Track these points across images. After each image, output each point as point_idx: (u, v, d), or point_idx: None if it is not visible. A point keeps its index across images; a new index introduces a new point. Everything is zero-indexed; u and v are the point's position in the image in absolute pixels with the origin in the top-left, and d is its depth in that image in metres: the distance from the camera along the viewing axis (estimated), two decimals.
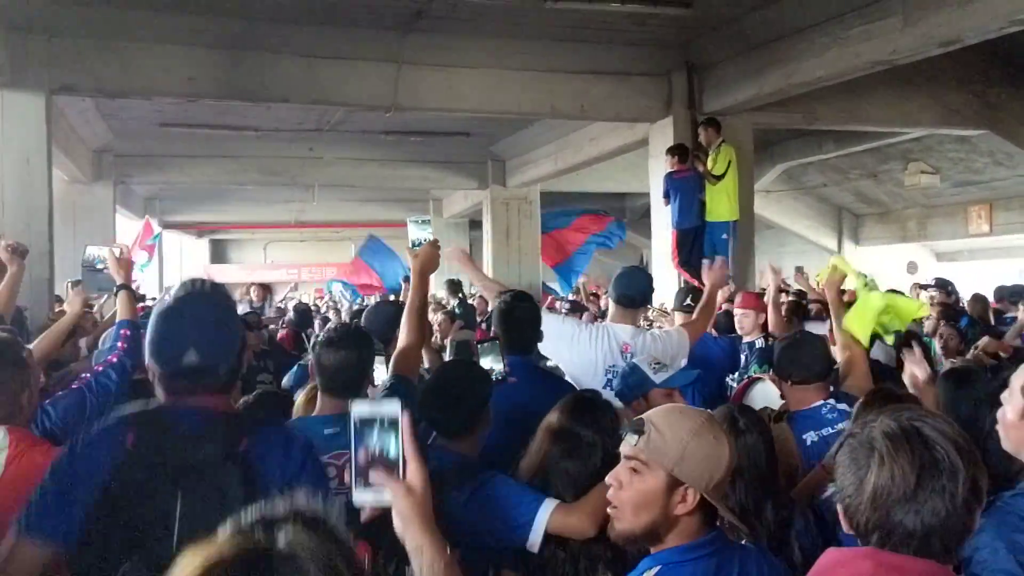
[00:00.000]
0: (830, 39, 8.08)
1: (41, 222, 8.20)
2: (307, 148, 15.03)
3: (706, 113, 9.71)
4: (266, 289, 12.36)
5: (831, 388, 3.56)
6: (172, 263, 24.36)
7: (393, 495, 1.51)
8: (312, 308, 13.20)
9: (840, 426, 3.22)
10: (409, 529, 1.51)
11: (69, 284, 4.09)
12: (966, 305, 8.27)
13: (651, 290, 4.33)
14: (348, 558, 1.12)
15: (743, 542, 2.04)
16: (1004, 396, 2.04)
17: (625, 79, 9.92)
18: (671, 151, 9.26)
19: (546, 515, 2.46)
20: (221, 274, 26.35)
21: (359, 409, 1.56)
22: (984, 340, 5.38)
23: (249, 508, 1.23)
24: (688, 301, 5.54)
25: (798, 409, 3.48)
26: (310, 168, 16.15)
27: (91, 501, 1.90)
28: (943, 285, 7.90)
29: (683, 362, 4.06)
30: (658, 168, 9.76)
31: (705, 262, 5.20)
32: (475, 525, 2.49)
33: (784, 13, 8.45)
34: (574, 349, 3.98)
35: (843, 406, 3.37)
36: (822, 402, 3.45)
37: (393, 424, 1.54)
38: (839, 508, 1.52)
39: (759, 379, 4.20)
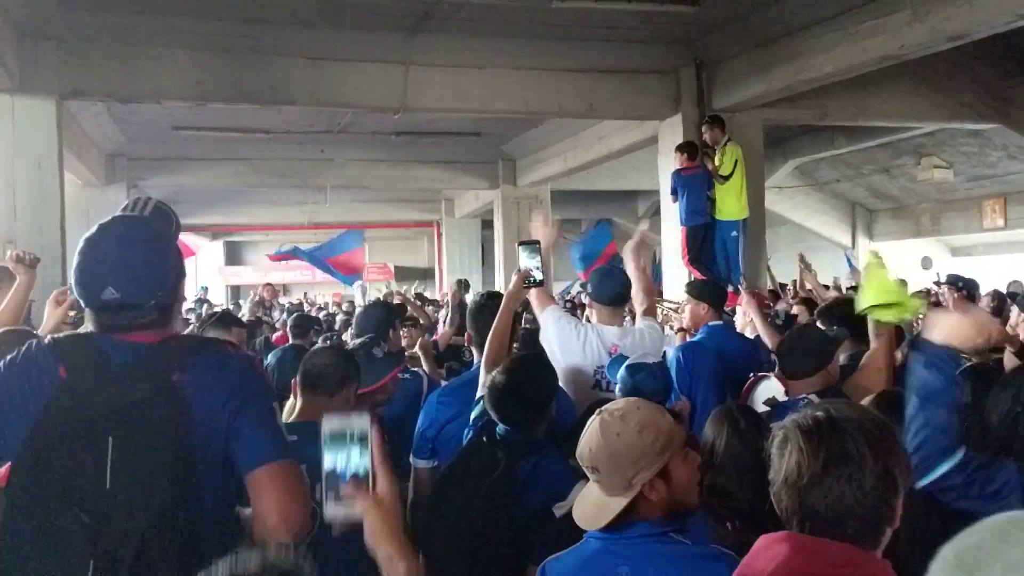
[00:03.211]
0: (838, 34, 8.04)
1: (53, 226, 8.26)
2: (318, 150, 15.06)
3: (715, 110, 9.68)
4: (275, 289, 12.33)
5: (833, 383, 3.54)
6: (187, 266, 24.38)
7: (364, 509, 1.53)
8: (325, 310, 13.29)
9: None
10: (380, 542, 1.53)
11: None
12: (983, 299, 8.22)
13: (629, 287, 4.30)
14: None
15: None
16: None
17: (633, 77, 9.91)
18: (680, 148, 9.23)
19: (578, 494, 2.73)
20: (236, 276, 26.52)
21: (329, 424, 1.57)
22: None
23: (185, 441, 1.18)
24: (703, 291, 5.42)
25: (784, 400, 3.52)
26: (322, 170, 16.20)
27: (21, 438, 1.79)
28: (953, 282, 7.83)
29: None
30: (668, 165, 9.74)
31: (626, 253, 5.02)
32: (532, 487, 2.82)
33: (791, 9, 8.41)
34: (566, 349, 3.98)
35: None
36: (803, 396, 3.43)
37: (363, 438, 1.56)
38: (772, 496, 1.63)
39: (765, 376, 4.19)
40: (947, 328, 2.24)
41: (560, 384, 3.60)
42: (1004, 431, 2.39)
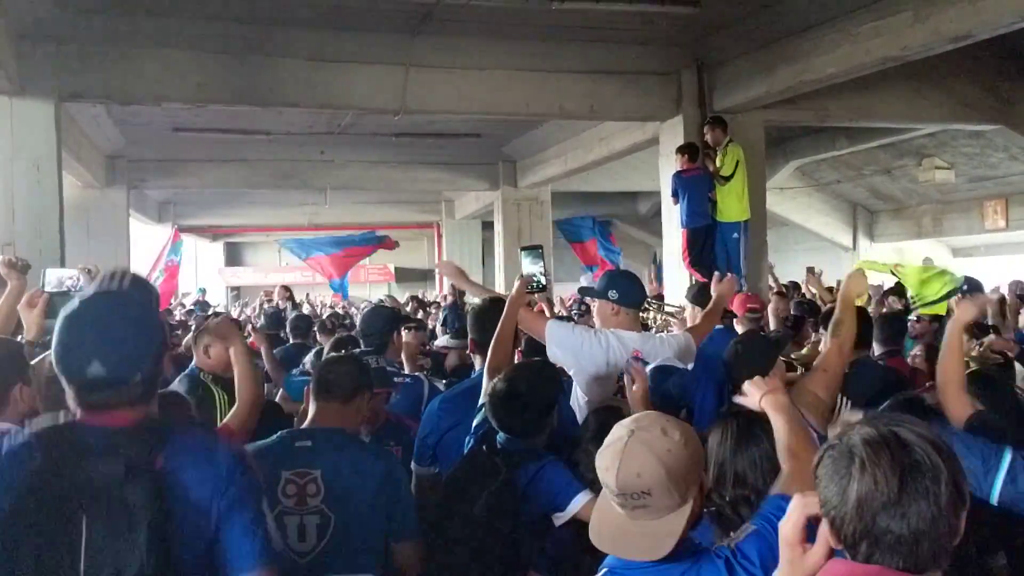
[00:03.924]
0: (840, 35, 8.01)
1: (52, 229, 8.23)
2: (318, 151, 15.05)
3: (716, 111, 9.66)
4: (289, 292, 12.29)
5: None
6: (187, 266, 24.42)
7: None
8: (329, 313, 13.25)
9: None
10: None
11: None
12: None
13: (644, 290, 4.28)
14: None
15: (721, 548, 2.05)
16: None
17: (634, 78, 9.88)
18: (681, 150, 9.21)
19: (582, 502, 2.78)
20: (236, 277, 26.53)
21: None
22: (990, 338, 5.30)
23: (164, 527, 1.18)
24: (702, 297, 5.35)
25: None
26: (322, 171, 16.20)
27: None
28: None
29: (690, 365, 4.01)
30: (669, 167, 9.71)
31: (716, 274, 5.02)
32: (533, 497, 2.84)
33: (793, 10, 8.38)
34: (587, 358, 3.74)
35: None
36: None
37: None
38: (824, 522, 1.48)
39: None
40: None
41: (582, 391, 3.56)
42: None
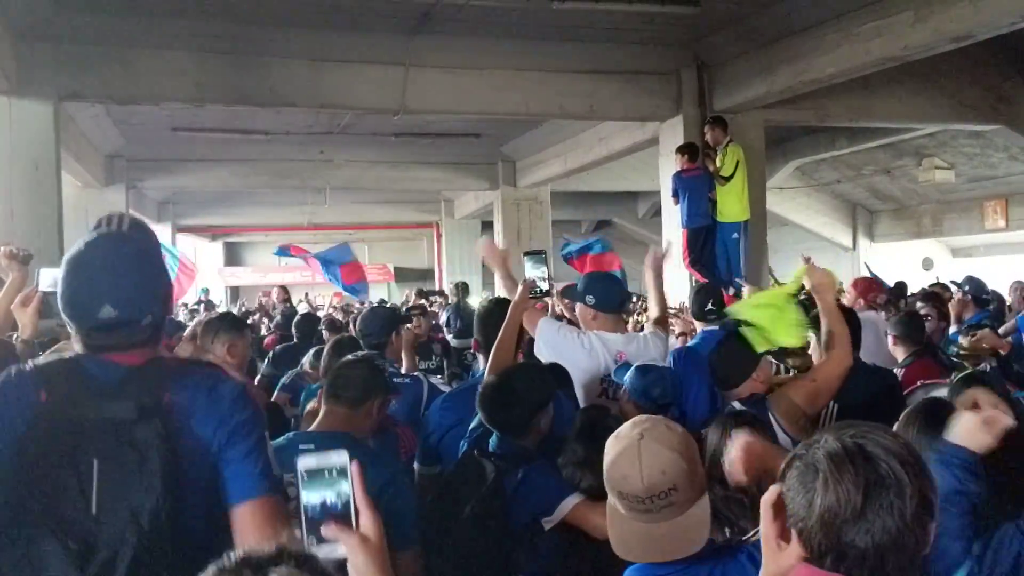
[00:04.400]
0: (840, 35, 8.01)
1: (51, 228, 8.22)
2: (318, 151, 15.03)
3: (716, 111, 9.65)
4: (286, 292, 12.29)
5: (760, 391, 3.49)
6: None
7: (348, 548, 1.47)
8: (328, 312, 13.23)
9: None
10: None
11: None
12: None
13: (629, 294, 4.30)
14: None
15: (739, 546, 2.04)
16: None
17: (634, 78, 9.87)
18: (680, 150, 9.20)
19: (570, 505, 2.74)
20: (235, 277, 26.49)
21: (305, 461, 1.50)
22: (984, 332, 5.26)
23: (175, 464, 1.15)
24: (710, 306, 5.19)
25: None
26: (321, 171, 16.18)
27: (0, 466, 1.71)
28: (960, 285, 7.84)
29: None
30: (668, 167, 9.70)
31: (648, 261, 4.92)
32: (522, 501, 2.80)
33: (793, 10, 8.37)
34: (568, 358, 3.85)
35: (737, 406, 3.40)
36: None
37: (342, 473, 1.49)
38: (793, 532, 1.46)
39: None
40: (964, 431, 2.15)
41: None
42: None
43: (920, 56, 7.91)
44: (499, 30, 9.08)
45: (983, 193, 16.24)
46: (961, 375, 3.48)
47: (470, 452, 3.05)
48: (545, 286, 3.64)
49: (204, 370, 2.05)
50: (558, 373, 3.60)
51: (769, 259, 10.29)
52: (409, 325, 6.47)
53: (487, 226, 19.92)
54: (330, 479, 1.49)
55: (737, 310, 3.74)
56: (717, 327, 5.15)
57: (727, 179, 8.87)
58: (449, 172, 16.98)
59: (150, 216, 19.20)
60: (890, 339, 5.10)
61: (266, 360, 6.60)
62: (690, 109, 9.89)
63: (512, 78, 9.61)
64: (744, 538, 2.09)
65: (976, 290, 7.70)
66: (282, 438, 2.93)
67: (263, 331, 9.69)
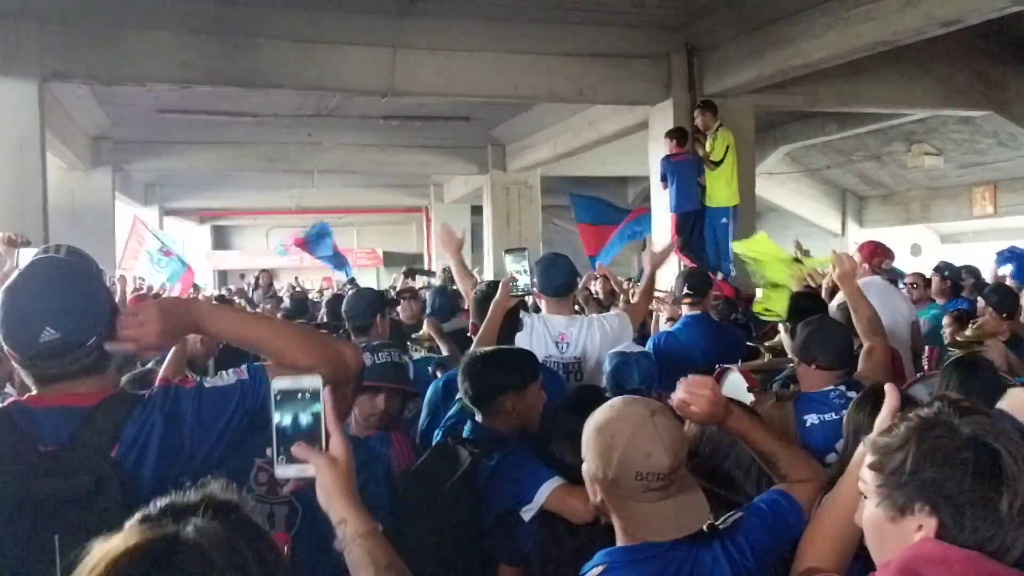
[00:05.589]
0: (831, 20, 7.98)
1: (35, 211, 8.14)
2: (306, 134, 14.94)
3: (706, 95, 9.62)
4: (271, 276, 12.29)
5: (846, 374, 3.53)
6: (177, 249, 24.24)
7: (316, 469, 1.52)
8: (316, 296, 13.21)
9: (844, 413, 3.17)
10: (333, 502, 1.52)
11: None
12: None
13: (576, 275, 4.38)
14: (259, 548, 1.10)
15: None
16: None
17: (624, 62, 9.82)
18: (670, 134, 9.17)
19: (548, 491, 2.64)
20: (223, 260, 26.38)
21: (280, 382, 1.55)
22: (985, 318, 5.29)
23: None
24: (686, 289, 5.36)
25: (807, 391, 3.48)
26: (309, 154, 16.11)
27: None
28: (939, 270, 7.91)
29: (628, 343, 4.07)
30: (658, 151, 9.67)
31: (646, 255, 4.98)
32: (496, 489, 2.73)
33: None
34: (518, 341, 3.93)
35: (852, 393, 3.32)
36: (832, 387, 3.43)
37: (315, 397, 1.54)
38: (926, 507, 1.42)
39: (729, 369, 4.16)
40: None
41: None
42: None
43: (910, 41, 7.88)
44: (489, 12, 9.02)
45: (972, 179, 16.27)
46: (952, 359, 3.49)
47: (444, 440, 3.04)
48: (526, 279, 3.66)
49: (157, 390, 1.94)
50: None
51: None
52: (406, 295, 6.54)
53: (477, 210, 19.88)
54: (303, 401, 1.54)
55: (744, 249, 3.90)
56: (698, 312, 5.30)
57: (717, 164, 8.86)
58: (438, 155, 16.90)
59: (137, 199, 19.09)
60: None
61: None
62: (680, 93, 9.85)
63: (502, 61, 9.55)
64: (718, 522, 2.07)
65: (954, 276, 7.84)
66: None
67: None
